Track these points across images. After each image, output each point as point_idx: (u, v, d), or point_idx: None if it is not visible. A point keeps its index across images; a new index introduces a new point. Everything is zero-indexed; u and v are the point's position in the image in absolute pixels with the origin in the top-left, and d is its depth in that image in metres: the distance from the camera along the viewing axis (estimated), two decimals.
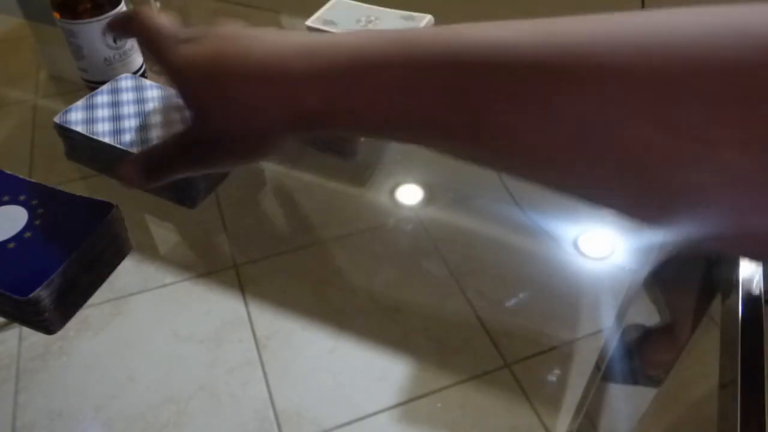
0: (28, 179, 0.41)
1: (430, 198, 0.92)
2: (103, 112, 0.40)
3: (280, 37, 0.29)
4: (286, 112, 0.26)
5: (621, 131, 0.18)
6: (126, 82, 0.43)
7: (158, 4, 0.78)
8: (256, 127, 0.28)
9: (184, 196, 0.39)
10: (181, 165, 0.33)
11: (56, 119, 0.42)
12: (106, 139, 0.39)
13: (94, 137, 0.40)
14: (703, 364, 0.58)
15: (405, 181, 0.89)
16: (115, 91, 0.41)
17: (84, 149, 0.42)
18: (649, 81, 0.18)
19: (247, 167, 1.03)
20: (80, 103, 0.41)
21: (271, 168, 0.98)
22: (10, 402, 0.91)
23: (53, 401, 0.91)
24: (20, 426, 0.89)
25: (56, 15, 0.67)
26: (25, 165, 0.83)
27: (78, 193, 0.39)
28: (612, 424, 0.72)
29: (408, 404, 0.91)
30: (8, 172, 0.42)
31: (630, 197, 0.20)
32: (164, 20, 0.35)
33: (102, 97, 0.42)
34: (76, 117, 0.41)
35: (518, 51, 0.20)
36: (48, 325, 0.37)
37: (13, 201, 0.39)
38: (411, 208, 0.92)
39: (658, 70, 0.18)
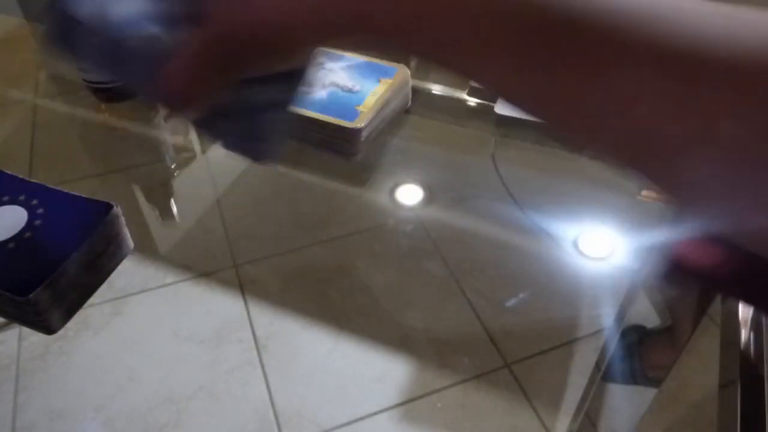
0: (28, 179, 0.41)
1: (430, 198, 0.92)
2: None
3: None
4: (326, 15, 0.23)
5: (636, 111, 0.19)
6: None
7: None
8: (282, 27, 0.24)
9: (255, 147, 0.28)
10: (218, 68, 0.26)
11: None
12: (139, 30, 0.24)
13: (117, 28, 0.24)
14: (703, 364, 0.58)
15: (405, 181, 0.89)
16: None
17: (94, 48, 0.26)
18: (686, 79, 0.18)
19: (247, 167, 1.03)
20: None
21: (270, 168, 0.98)
22: (10, 402, 0.91)
23: (53, 401, 0.91)
24: (20, 426, 0.89)
25: None
26: (25, 165, 0.83)
27: (78, 193, 0.39)
28: (612, 424, 0.72)
29: (408, 404, 0.91)
30: (8, 172, 0.42)
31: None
32: None
33: None
34: None
35: (595, 18, 0.20)
36: (48, 325, 0.37)
37: (13, 201, 0.39)
38: (411, 208, 0.92)
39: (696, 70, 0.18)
